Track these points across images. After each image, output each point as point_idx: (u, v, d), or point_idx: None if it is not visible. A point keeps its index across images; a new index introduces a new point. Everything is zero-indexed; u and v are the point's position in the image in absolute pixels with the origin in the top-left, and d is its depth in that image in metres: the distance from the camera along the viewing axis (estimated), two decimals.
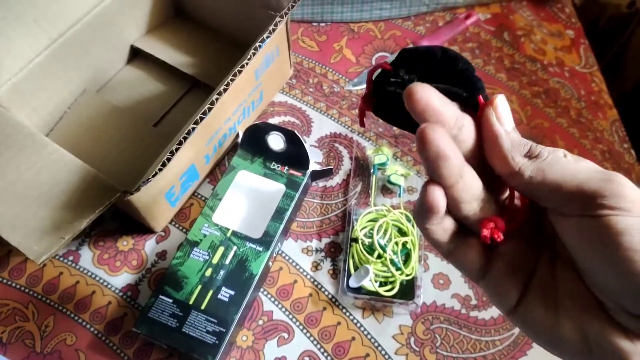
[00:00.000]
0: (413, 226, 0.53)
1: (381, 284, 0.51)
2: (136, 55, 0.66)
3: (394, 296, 0.50)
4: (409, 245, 0.52)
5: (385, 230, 0.52)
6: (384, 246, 0.51)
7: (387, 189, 0.58)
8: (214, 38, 0.66)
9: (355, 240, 0.53)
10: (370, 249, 0.52)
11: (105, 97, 0.62)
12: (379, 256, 0.51)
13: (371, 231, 0.52)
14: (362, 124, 0.31)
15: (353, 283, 0.50)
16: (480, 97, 0.25)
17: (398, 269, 0.51)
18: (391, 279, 0.51)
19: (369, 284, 0.50)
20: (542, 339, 0.25)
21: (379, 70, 0.27)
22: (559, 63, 0.70)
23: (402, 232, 0.53)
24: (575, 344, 0.24)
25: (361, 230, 0.53)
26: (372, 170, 0.58)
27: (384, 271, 0.51)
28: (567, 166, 0.23)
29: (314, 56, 0.68)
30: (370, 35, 0.70)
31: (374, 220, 0.54)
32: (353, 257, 0.52)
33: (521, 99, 0.66)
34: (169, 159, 0.40)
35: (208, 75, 0.62)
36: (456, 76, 0.26)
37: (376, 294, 0.50)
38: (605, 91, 0.69)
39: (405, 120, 0.26)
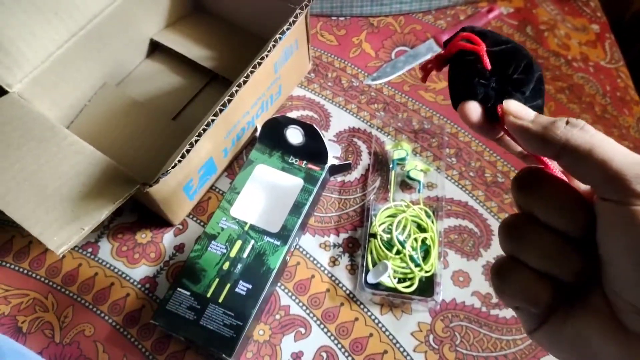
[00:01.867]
0: (433, 222, 0.52)
1: (400, 280, 0.50)
2: (155, 48, 0.66)
3: (412, 293, 0.49)
4: (428, 242, 0.51)
5: (405, 226, 0.52)
6: (403, 242, 0.51)
7: (406, 184, 0.57)
8: (232, 32, 0.66)
9: (374, 235, 0.52)
10: (389, 245, 0.51)
11: (124, 90, 0.63)
12: (398, 252, 0.50)
13: (390, 227, 0.52)
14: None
15: (371, 279, 0.50)
16: (499, 106, 0.25)
17: (417, 265, 0.50)
18: (410, 275, 0.50)
19: (387, 280, 0.50)
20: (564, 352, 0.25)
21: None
22: (584, 58, 0.69)
23: (421, 229, 0.52)
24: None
25: (380, 225, 0.52)
26: (391, 166, 0.57)
27: (403, 267, 0.50)
28: (616, 145, 0.22)
29: (333, 50, 0.67)
30: (390, 30, 0.70)
31: (393, 215, 0.53)
32: (371, 253, 0.51)
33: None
34: (188, 151, 0.40)
35: (227, 68, 0.62)
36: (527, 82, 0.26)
37: (395, 290, 0.49)
38: (632, 87, 0.68)
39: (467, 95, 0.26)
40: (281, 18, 0.58)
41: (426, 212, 0.53)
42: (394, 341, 0.49)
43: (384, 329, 0.50)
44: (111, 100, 0.61)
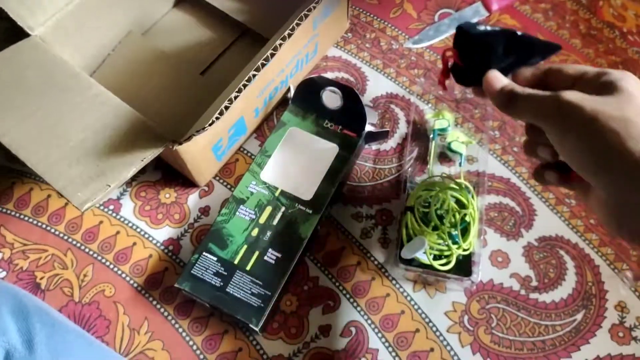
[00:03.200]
0: (473, 197, 0.49)
1: (435, 257, 0.47)
2: None
3: (448, 271, 0.47)
4: (467, 218, 0.48)
5: (443, 201, 0.49)
6: (442, 217, 0.48)
7: (446, 156, 0.54)
8: None
9: (411, 209, 0.49)
10: (426, 220, 0.48)
11: (150, 40, 0.59)
12: (435, 227, 0.48)
13: (428, 200, 0.49)
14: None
15: (406, 254, 0.47)
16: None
17: (455, 242, 0.47)
18: (447, 253, 0.47)
19: (423, 256, 0.47)
20: None
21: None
22: None
23: (460, 204, 0.49)
24: None
25: (417, 199, 0.49)
26: (431, 136, 0.54)
27: (440, 244, 0.47)
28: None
29: (373, 9, 0.63)
30: None
31: (431, 189, 0.50)
32: (407, 227, 0.49)
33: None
34: (227, 107, 0.37)
35: (259, 23, 0.58)
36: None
37: (430, 267, 0.47)
38: None
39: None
40: None
41: (467, 187, 0.50)
42: (427, 320, 0.47)
43: (416, 306, 0.48)
44: (136, 50, 0.57)
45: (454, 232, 0.47)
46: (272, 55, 0.37)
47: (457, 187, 0.49)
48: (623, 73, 0.30)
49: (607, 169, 0.28)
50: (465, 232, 0.48)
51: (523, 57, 0.45)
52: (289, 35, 0.38)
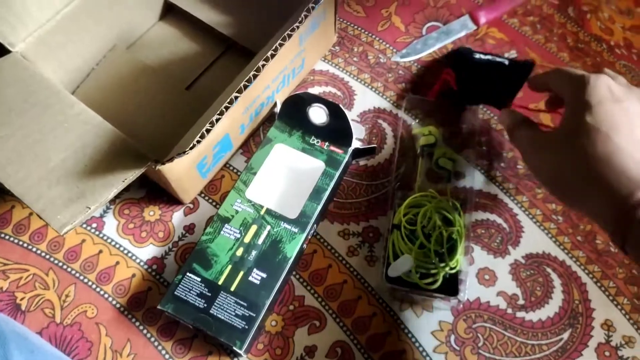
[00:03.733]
0: (460, 215, 0.49)
1: (422, 276, 0.47)
2: (170, 10, 0.61)
3: (435, 290, 0.46)
4: (454, 236, 0.48)
5: (430, 218, 0.48)
6: (428, 235, 0.47)
7: (433, 173, 0.54)
8: None
9: (397, 226, 0.49)
10: (413, 237, 0.48)
11: (136, 54, 0.58)
12: (422, 246, 0.47)
13: (414, 217, 0.48)
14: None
15: (392, 272, 0.47)
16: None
17: (442, 261, 0.47)
18: (433, 271, 0.47)
19: (409, 275, 0.47)
20: None
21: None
22: (627, 45, 0.64)
23: (447, 222, 0.49)
24: None
25: (404, 216, 0.49)
26: (418, 151, 0.54)
27: (426, 262, 0.47)
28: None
29: (360, 22, 0.63)
30: (422, 2, 0.65)
31: (418, 206, 0.50)
32: (393, 245, 0.48)
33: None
34: (208, 130, 0.36)
35: (246, 37, 0.57)
36: None
37: (417, 286, 0.46)
38: None
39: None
40: None
41: (454, 204, 0.50)
42: (413, 339, 0.47)
43: (402, 326, 0.47)
44: (121, 65, 0.56)
45: (440, 251, 0.47)
46: (255, 76, 0.37)
47: (443, 205, 0.49)
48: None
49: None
50: (452, 250, 0.48)
51: (515, 84, 0.53)
52: (272, 55, 0.38)
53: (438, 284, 0.46)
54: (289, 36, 0.39)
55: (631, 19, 0.66)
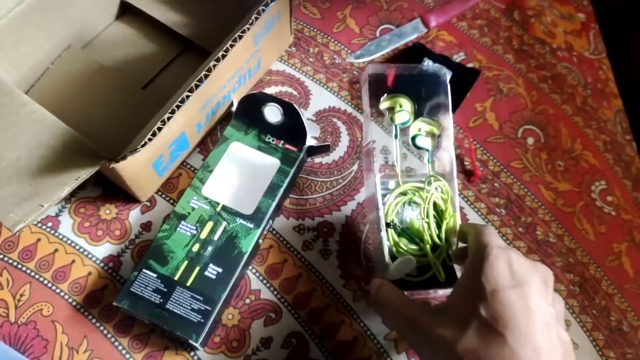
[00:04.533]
0: (447, 201, 0.47)
1: (420, 271, 0.46)
2: (126, 10, 0.61)
3: (440, 284, 0.45)
4: (447, 220, 0.46)
5: (427, 212, 0.46)
6: (421, 231, 0.46)
7: (413, 154, 0.51)
8: None
9: (389, 225, 0.47)
10: (405, 234, 0.47)
11: (91, 54, 0.58)
12: (435, 248, 0.46)
13: (402, 208, 0.48)
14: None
15: (395, 275, 0.45)
16: None
17: (435, 250, 0.46)
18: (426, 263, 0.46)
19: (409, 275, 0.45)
20: None
21: None
22: (568, 47, 0.68)
23: (438, 212, 0.47)
24: None
25: (393, 211, 0.48)
26: (394, 133, 0.50)
27: (421, 256, 0.46)
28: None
29: (316, 24, 0.64)
30: (376, 5, 0.67)
31: (404, 194, 0.48)
32: (391, 246, 0.46)
33: (527, 82, 0.64)
34: (160, 128, 0.37)
35: (203, 37, 0.58)
36: None
37: (422, 284, 0.45)
38: (612, 79, 0.67)
39: None
40: None
41: (443, 189, 0.47)
42: (365, 328, 0.49)
43: (355, 315, 0.49)
44: (76, 64, 0.57)
45: (438, 243, 0.46)
46: (206, 76, 0.38)
47: (426, 189, 0.47)
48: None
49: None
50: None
51: (462, 88, 0.51)
52: (223, 56, 0.39)
53: (442, 275, 0.45)
54: (240, 37, 0.40)
55: (572, 24, 0.70)
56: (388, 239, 0.46)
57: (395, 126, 0.50)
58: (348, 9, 0.66)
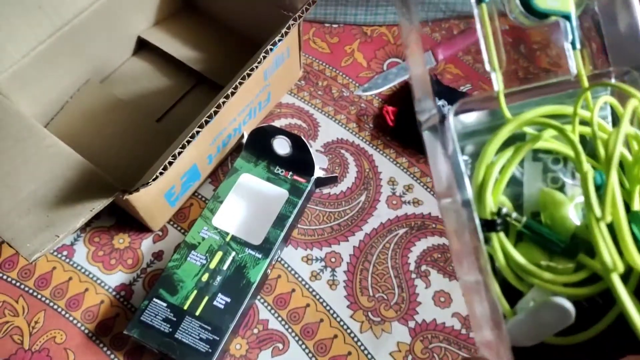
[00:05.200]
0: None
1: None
2: (143, 46, 0.64)
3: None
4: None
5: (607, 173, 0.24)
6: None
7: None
8: (223, 33, 0.65)
9: (493, 225, 0.25)
10: (545, 241, 0.25)
11: (108, 88, 0.61)
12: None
13: (522, 172, 0.27)
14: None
15: (522, 338, 0.24)
16: None
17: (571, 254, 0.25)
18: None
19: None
20: None
21: None
22: None
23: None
24: None
25: (498, 187, 0.26)
26: None
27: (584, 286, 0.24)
28: None
29: (325, 58, 0.66)
30: (383, 40, 0.69)
31: (518, 139, 0.27)
32: (497, 272, 0.25)
33: None
34: (170, 163, 0.39)
35: (215, 72, 0.60)
36: None
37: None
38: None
39: None
40: (274, 22, 0.56)
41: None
42: None
43: (362, 347, 0.49)
44: (94, 98, 0.59)
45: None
46: (216, 112, 0.40)
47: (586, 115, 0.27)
48: None
49: None
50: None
51: None
52: (232, 93, 0.41)
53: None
54: (249, 75, 0.42)
55: None
56: (495, 255, 0.24)
57: None
58: (356, 43, 0.68)
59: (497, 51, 0.36)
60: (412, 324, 0.50)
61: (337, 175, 0.57)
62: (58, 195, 0.44)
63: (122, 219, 0.54)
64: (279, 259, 0.53)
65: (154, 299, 0.47)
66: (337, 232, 0.55)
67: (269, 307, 0.50)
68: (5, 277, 0.51)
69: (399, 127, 0.60)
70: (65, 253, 0.52)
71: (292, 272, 0.52)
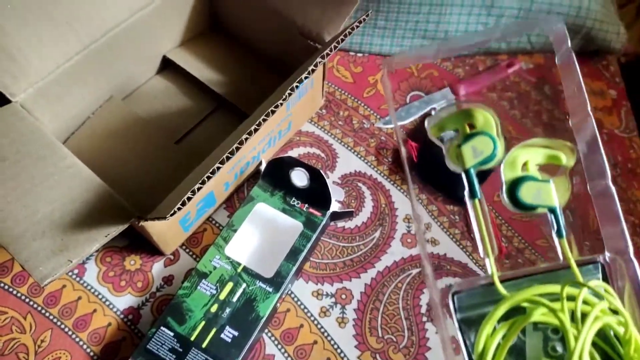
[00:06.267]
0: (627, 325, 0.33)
1: None
2: (167, 66, 0.64)
3: None
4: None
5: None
6: None
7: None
8: (248, 57, 0.65)
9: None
10: None
11: (130, 106, 0.61)
12: None
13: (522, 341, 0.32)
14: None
15: None
16: None
17: None
18: None
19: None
20: None
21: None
22: (598, 124, 0.67)
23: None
24: None
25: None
26: (467, 187, 0.38)
27: None
28: None
29: (348, 88, 0.66)
30: (407, 72, 0.68)
31: (514, 312, 0.34)
32: None
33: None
34: (189, 198, 0.38)
35: (238, 96, 0.60)
36: None
37: None
38: None
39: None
40: (300, 50, 0.56)
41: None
42: None
43: None
44: (115, 115, 0.59)
45: None
46: (238, 149, 0.40)
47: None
48: None
49: None
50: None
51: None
52: (255, 130, 0.40)
53: None
54: (273, 112, 0.42)
55: (603, 100, 0.70)
56: None
57: (468, 171, 0.36)
58: (379, 74, 0.68)
59: (490, 239, 0.42)
60: None
61: (353, 210, 0.56)
62: (74, 218, 0.44)
63: (135, 240, 0.54)
64: (289, 292, 0.52)
65: (162, 328, 0.46)
66: (350, 267, 0.54)
67: (276, 342, 0.50)
68: (15, 292, 0.51)
69: (420, 164, 0.59)
70: (76, 271, 0.52)
71: (302, 306, 0.52)
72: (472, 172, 0.40)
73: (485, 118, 0.40)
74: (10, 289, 0.51)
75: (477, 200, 0.41)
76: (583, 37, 0.70)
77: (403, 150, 0.52)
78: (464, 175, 0.42)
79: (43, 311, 0.50)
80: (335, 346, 0.50)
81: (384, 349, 0.50)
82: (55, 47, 0.52)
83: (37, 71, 0.51)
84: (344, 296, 0.53)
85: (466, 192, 0.42)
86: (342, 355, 0.50)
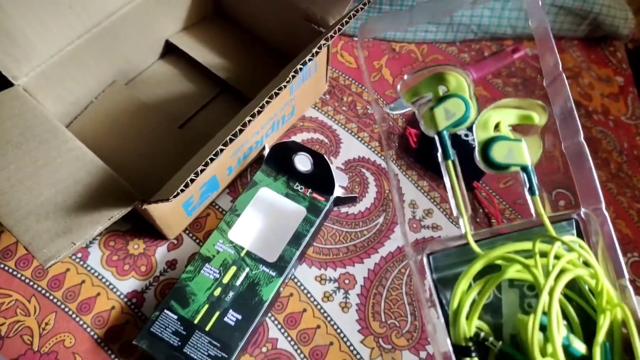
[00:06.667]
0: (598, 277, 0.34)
1: None
2: (170, 50, 0.64)
3: None
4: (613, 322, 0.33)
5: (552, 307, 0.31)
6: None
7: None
8: (251, 42, 0.64)
9: (465, 351, 0.32)
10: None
11: (133, 91, 0.61)
12: None
13: (497, 297, 0.34)
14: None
15: None
16: None
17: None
18: None
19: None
20: None
21: None
22: (604, 111, 0.67)
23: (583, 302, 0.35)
24: None
25: (471, 311, 0.35)
26: (441, 147, 0.38)
27: None
28: None
29: (352, 73, 0.66)
30: (412, 57, 0.68)
31: (490, 269, 0.35)
32: None
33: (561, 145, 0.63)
34: (192, 180, 0.38)
35: (241, 81, 0.60)
36: None
37: None
38: None
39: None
40: (303, 34, 0.56)
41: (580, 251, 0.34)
42: None
43: None
44: (118, 100, 0.59)
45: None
46: (241, 131, 0.39)
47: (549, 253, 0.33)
48: None
49: None
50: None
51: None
52: (259, 112, 0.40)
53: None
54: (276, 94, 0.41)
55: (610, 87, 0.70)
56: None
57: (441, 132, 0.37)
58: (384, 59, 0.67)
59: (463, 199, 0.42)
60: (423, 354, 0.49)
61: (356, 195, 0.56)
62: (77, 201, 0.44)
63: (138, 225, 0.54)
64: (292, 277, 0.52)
65: (165, 311, 0.46)
66: (353, 253, 0.54)
67: (279, 326, 0.50)
68: (19, 275, 0.51)
69: (420, 151, 0.59)
70: (79, 255, 0.52)
71: (305, 291, 0.52)
72: (445, 133, 0.40)
73: (458, 81, 0.39)
74: (15, 272, 0.51)
75: (449, 162, 0.41)
76: (591, 23, 0.69)
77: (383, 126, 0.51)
78: (436, 137, 0.41)
79: (47, 294, 0.50)
80: (338, 330, 0.50)
81: (387, 333, 0.50)
82: (58, 30, 0.52)
83: (40, 54, 0.51)
84: (347, 281, 0.52)
85: (439, 154, 0.41)
86: (345, 339, 0.50)
